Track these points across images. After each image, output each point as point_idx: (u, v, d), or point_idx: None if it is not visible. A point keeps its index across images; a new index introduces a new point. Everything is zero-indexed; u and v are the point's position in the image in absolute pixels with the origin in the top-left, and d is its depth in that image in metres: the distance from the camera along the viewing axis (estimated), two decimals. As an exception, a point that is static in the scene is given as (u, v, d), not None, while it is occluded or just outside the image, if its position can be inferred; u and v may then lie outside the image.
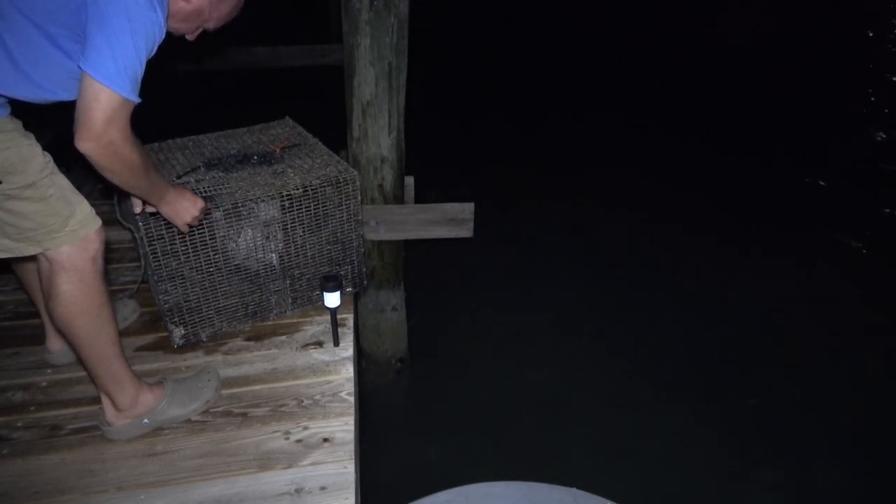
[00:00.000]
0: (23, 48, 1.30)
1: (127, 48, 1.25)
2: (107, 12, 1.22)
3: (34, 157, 1.40)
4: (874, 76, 7.88)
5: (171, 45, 1.44)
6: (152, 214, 1.72)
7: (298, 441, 1.71)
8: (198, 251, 1.86)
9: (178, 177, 1.94)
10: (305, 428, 1.75)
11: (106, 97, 1.25)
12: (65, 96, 1.42)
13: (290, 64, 4.59)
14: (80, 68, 1.25)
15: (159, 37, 1.31)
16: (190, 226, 1.71)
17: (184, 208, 1.65)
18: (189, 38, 1.53)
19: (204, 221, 1.81)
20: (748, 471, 2.80)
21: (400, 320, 3.28)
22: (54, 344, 1.90)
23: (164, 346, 2.02)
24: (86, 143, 1.27)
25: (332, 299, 1.91)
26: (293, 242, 2.02)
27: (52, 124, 1.54)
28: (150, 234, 1.76)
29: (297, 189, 1.94)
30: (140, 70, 1.30)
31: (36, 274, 1.67)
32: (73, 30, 1.29)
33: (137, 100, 1.31)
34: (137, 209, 1.70)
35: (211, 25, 1.52)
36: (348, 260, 2.18)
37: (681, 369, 3.34)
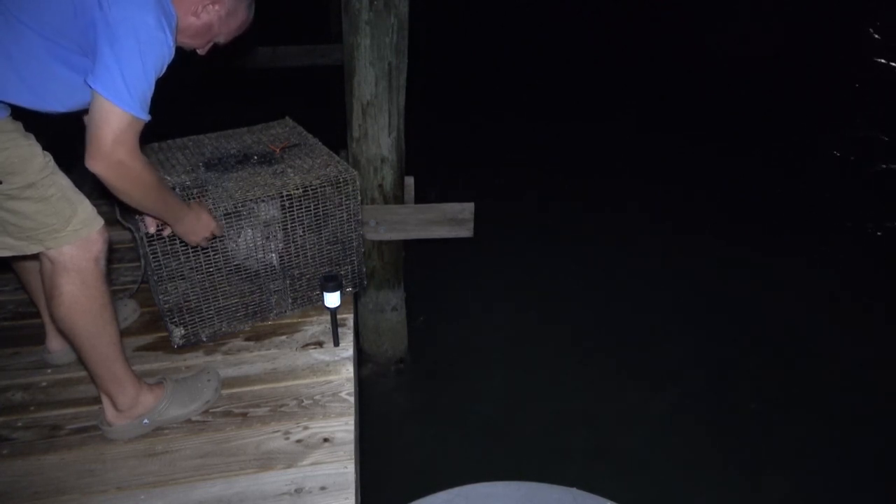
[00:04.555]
0: (28, 60, 1.31)
1: (136, 68, 1.26)
2: (116, 33, 1.24)
3: (34, 158, 1.40)
4: (877, 77, 7.89)
5: (183, 59, 1.46)
6: (159, 235, 1.74)
7: (298, 441, 1.71)
8: (198, 251, 1.86)
9: (180, 179, 1.94)
10: (305, 428, 1.75)
11: (115, 117, 1.27)
12: (65, 109, 1.43)
13: (290, 64, 4.59)
14: (89, 86, 1.26)
15: (168, 57, 1.33)
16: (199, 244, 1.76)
17: (200, 230, 1.71)
18: (200, 52, 1.55)
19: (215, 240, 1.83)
20: (747, 472, 2.81)
21: (400, 320, 3.28)
22: (54, 344, 1.90)
23: (164, 346, 2.02)
24: (95, 163, 1.30)
25: (332, 299, 1.91)
26: (293, 242, 2.02)
27: (52, 125, 1.55)
28: (150, 234, 1.76)
29: (297, 189, 1.94)
30: (149, 90, 1.31)
31: (37, 274, 1.67)
32: (80, 44, 1.30)
33: (147, 118, 1.33)
34: (151, 229, 1.73)
35: (221, 39, 1.54)
36: (348, 260, 2.18)
37: (681, 371, 3.34)
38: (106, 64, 1.25)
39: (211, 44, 1.55)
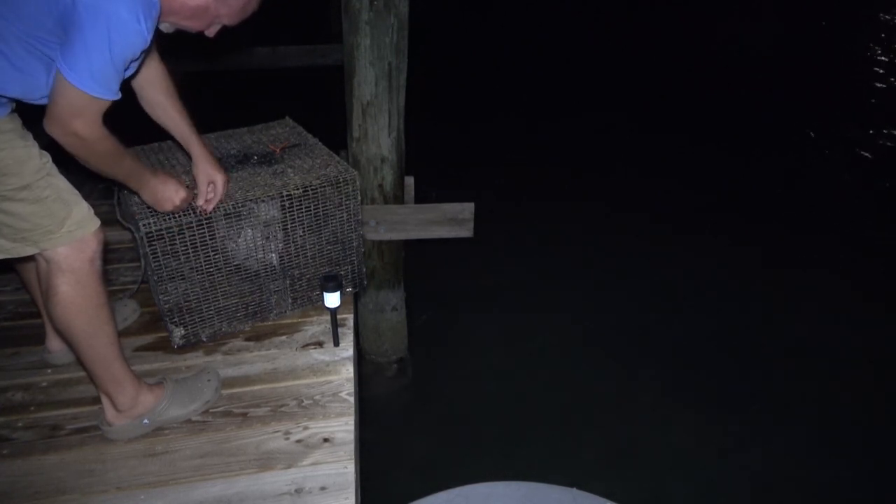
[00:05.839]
0: (17, 52, 1.31)
1: (103, 55, 1.26)
2: (85, 20, 1.23)
3: (30, 159, 1.40)
4: (878, 74, 7.88)
5: (175, 44, 1.44)
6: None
7: (298, 441, 1.71)
8: (198, 251, 1.86)
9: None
10: (305, 428, 1.75)
11: (73, 94, 1.28)
12: None
13: (290, 64, 4.58)
14: (56, 66, 1.27)
15: (141, 45, 1.32)
16: (173, 212, 1.75)
17: (165, 197, 1.69)
18: (207, 34, 1.51)
19: (203, 220, 1.81)
20: (749, 472, 2.80)
21: (400, 320, 3.28)
22: (54, 344, 1.90)
23: (164, 346, 2.02)
24: (51, 129, 1.33)
25: (332, 299, 1.90)
26: (293, 242, 2.02)
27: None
28: (150, 234, 1.76)
29: (297, 189, 1.94)
30: (114, 74, 1.31)
31: (37, 273, 1.67)
32: (57, 34, 1.30)
33: (112, 97, 1.33)
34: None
35: (226, 21, 1.49)
36: (348, 260, 2.18)
37: (682, 369, 3.34)
38: (73, 46, 1.25)
39: (216, 26, 1.50)
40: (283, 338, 2.07)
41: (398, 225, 2.87)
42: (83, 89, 1.27)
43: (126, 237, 2.30)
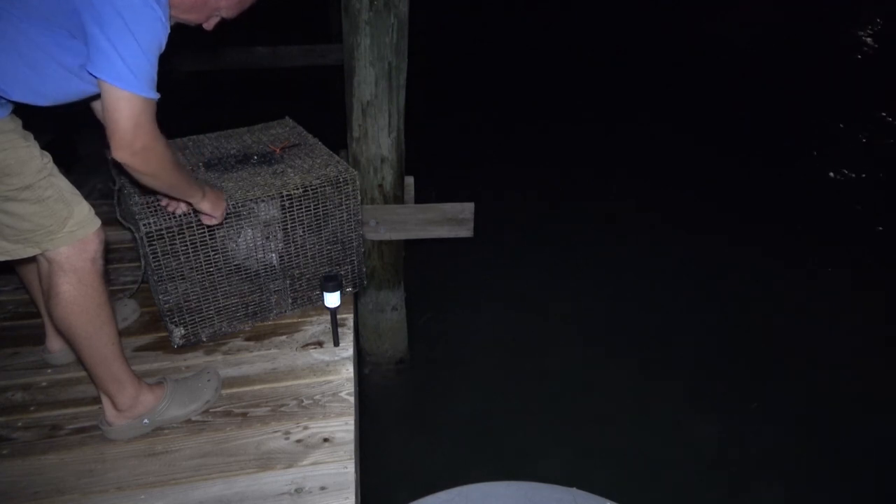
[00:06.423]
0: (21, 48, 1.30)
1: (132, 48, 1.23)
2: (101, 14, 1.21)
3: (32, 159, 1.40)
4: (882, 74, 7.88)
5: (176, 42, 1.43)
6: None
7: (298, 441, 1.71)
8: (198, 251, 1.86)
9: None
10: (305, 428, 1.75)
11: (126, 102, 1.25)
12: (65, 98, 1.42)
13: (290, 64, 4.60)
14: (92, 75, 1.24)
15: (163, 32, 1.28)
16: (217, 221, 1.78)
17: (221, 203, 1.74)
18: (206, 27, 1.49)
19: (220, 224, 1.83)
20: (748, 473, 2.80)
21: (400, 320, 3.28)
22: (54, 344, 1.90)
23: (164, 346, 2.02)
24: (121, 153, 1.29)
25: (332, 299, 1.91)
26: (293, 242, 2.02)
27: (54, 123, 1.54)
28: (150, 234, 1.76)
29: (297, 189, 1.94)
30: (150, 68, 1.27)
31: (37, 273, 1.67)
32: (69, 28, 1.28)
33: (156, 96, 1.30)
34: (180, 210, 1.76)
35: (224, 13, 1.47)
36: (348, 260, 2.18)
37: (683, 370, 3.33)
38: (100, 48, 1.21)
39: (216, 19, 1.48)
40: (283, 338, 2.08)
41: (398, 225, 2.87)
42: (128, 89, 1.23)
43: (126, 237, 2.31)
